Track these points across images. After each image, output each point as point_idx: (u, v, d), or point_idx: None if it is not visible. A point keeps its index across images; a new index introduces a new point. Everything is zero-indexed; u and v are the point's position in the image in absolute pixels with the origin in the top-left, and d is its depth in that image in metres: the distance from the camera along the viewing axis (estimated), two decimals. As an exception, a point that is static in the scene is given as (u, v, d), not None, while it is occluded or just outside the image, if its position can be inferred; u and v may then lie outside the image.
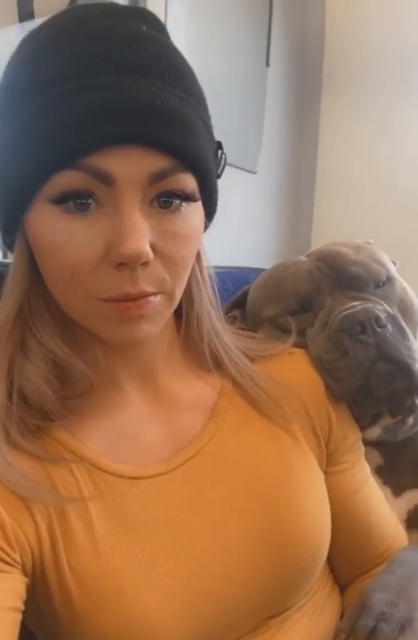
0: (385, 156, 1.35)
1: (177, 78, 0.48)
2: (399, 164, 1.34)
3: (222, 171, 0.56)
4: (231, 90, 1.05)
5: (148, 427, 0.57)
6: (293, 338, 0.68)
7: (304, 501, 0.58)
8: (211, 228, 0.70)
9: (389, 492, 0.75)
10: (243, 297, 0.80)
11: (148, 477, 0.54)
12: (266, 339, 0.69)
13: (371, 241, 0.82)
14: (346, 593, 0.67)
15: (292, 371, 0.65)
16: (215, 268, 0.98)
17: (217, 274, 0.98)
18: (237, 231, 1.13)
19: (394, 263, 0.82)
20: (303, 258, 0.76)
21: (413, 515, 0.75)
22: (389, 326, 0.65)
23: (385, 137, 1.34)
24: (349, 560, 0.67)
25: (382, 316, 0.65)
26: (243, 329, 0.76)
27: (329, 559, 0.66)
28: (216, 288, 0.64)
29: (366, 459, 0.74)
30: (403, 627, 0.56)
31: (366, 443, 0.74)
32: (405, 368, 0.64)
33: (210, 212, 0.55)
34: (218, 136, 0.55)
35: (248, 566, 0.54)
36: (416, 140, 1.31)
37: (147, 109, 0.45)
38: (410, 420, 0.74)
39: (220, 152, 0.55)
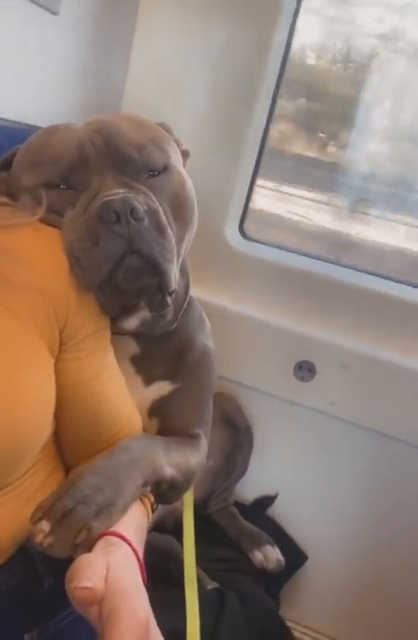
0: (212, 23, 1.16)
1: None
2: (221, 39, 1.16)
3: None
4: None
5: None
6: (41, 213, 0.62)
7: (25, 386, 0.57)
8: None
9: (140, 381, 0.78)
10: (13, 157, 0.71)
11: None
12: (13, 209, 0.63)
13: (169, 125, 0.77)
14: (69, 475, 0.69)
15: (33, 248, 0.60)
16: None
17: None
18: (31, 80, 0.95)
19: (186, 154, 0.78)
20: (80, 125, 0.69)
21: (157, 403, 0.78)
22: (146, 220, 0.62)
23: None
24: (77, 443, 0.68)
25: (141, 208, 0.61)
26: (6, 194, 0.69)
27: (57, 440, 0.67)
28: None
29: (123, 347, 0.75)
30: (101, 510, 0.58)
31: (124, 332, 0.74)
32: (154, 265, 0.63)
33: None
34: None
35: None
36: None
37: None
38: (168, 317, 0.75)
39: None
